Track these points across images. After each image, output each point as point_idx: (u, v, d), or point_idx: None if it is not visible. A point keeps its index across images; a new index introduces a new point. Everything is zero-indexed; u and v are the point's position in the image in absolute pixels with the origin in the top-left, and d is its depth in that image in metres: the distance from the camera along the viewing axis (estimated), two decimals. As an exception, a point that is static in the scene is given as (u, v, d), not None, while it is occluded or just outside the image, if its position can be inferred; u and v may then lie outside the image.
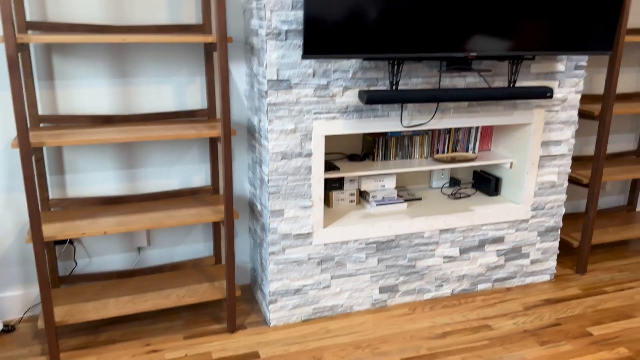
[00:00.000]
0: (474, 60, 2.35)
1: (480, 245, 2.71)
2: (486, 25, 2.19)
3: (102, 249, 2.58)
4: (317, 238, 2.40)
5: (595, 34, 2.37)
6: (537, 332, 2.41)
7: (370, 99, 2.14)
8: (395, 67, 2.22)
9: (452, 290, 2.73)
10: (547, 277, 2.91)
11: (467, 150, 2.81)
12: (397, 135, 2.64)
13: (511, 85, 2.41)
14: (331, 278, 2.49)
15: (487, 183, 2.85)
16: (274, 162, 2.25)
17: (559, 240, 2.87)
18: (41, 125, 2.27)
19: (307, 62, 2.17)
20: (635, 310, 2.61)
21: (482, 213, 2.65)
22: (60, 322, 2.14)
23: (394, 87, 2.24)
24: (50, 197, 2.41)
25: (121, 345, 2.30)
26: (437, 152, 2.76)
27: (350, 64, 2.22)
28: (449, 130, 2.74)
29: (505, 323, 2.49)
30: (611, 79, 2.65)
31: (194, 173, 2.63)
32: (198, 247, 2.75)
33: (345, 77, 2.23)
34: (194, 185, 2.63)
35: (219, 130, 2.19)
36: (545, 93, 2.35)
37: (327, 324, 2.48)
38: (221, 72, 2.08)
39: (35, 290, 2.48)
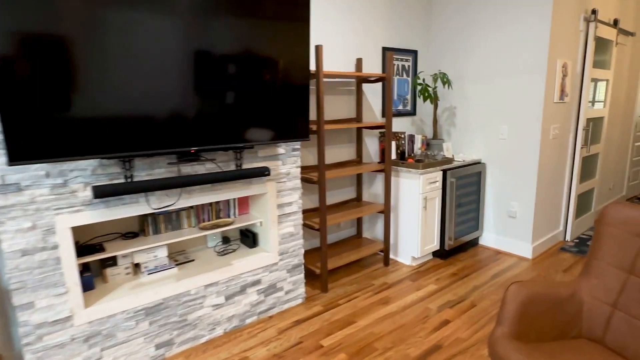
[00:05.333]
0: (205, 152, 1.93)
1: (242, 290, 2.20)
2: (205, 127, 1.78)
3: None
4: (78, 319, 1.69)
5: (298, 129, 2.11)
6: (282, 355, 1.96)
7: (99, 193, 1.55)
8: (127, 163, 1.68)
9: (225, 330, 2.16)
10: (300, 301, 2.46)
11: (228, 216, 2.35)
12: (164, 213, 2.09)
13: (238, 168, 2.04)
14: (101, 350, 1.77)
15: (248, 238, 2.40)
16: (14, 260, 1.53)
17: (304, 272, 2.46)
18: None
19: (38, 165, 1.53)
20: (356, 317, 2.29)
21: (240, 265, 2.18)
22: None
23: (129, 180, 1.70)
24: None
25: None
26: (203, 221, 2.25)
27: (88, 163, 1.63)
28: (210, 203, 2.26)
29: (261, 351, 1.99)
30: (322, 155, 2.43)
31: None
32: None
33: (85, 174, 1.64)
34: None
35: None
36: (263, 172, 2.01)
37: (102, 393, 1.74)
38: None
39: None
